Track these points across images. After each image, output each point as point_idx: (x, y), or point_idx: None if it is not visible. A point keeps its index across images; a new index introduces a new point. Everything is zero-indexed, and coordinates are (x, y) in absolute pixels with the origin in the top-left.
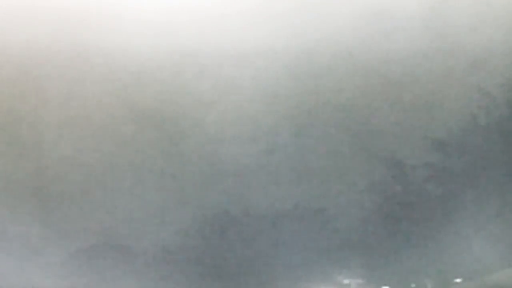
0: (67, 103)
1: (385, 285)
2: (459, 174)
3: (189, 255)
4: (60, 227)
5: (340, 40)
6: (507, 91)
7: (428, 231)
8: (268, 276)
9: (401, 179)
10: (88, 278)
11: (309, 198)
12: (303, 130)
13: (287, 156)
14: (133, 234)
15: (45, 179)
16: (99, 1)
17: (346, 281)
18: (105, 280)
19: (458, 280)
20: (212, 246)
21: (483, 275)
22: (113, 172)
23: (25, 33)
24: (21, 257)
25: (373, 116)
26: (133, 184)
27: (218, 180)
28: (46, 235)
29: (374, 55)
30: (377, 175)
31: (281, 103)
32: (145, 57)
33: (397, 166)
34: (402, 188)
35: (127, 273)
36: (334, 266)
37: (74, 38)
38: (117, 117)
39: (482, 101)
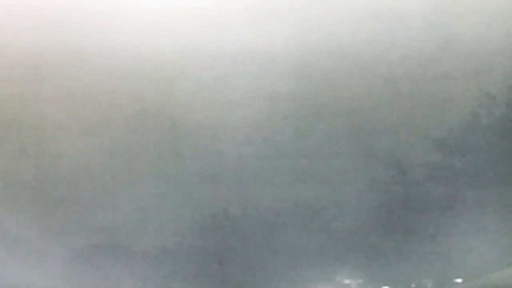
0: (67, 103)
1: (385, 285)
2: (459, 173)
3: (188, 255)
4: (60, 227)
5: (341, 40)
6: (508, 91)
7: (428, 231)
8: (268, 276)
9: (402, 179)
10: (88, 278)
11: (309, 198)
12: (303, 130)
13: (287, 156)
14: (133, 234)
15: (45, 179)
16: (99, 1)
17: (346, 281)
18: (105, 280)
19: (458, 280)
20: (212, 246)
21: (483, 275)
22: (113, 172)
23: (25, 33)
24: (21, 257)
25: (374, 116)
26: (133, 184)
27: (218, 180)
28: (46, 235)
29: (376, 55)
30: (378, 175)
31: (281, 103)
32: (145, 57)
33: (398, 166)
34: (402, 188)
35: (127, 273)
36: (334, 266)
37: (74, 38)
38: (117, 117)
39: (482, 101)
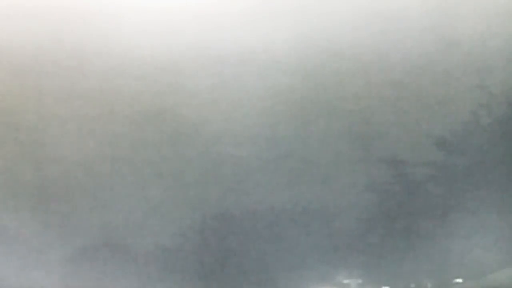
0: (67, 103)
1: (385, 285)
2: (460, 173)
3: (188, 255)
4: (60, 227)
5: (341, 40)
6: (508, 90)
7: (428, 231)
8: (268, 276)
9: (402, 178)
10: (88, 278)
11: (309, 198)
12: (303, 130)
13: (288, 156)
14: (133, 234)
15: (45, 179)
16: (99, 1)
17: (346, 281)
18: (105, 280)
19: (458, 280)
20: (212, 246)
21: (483, 275)
22: (113, 172)
23: (25, 33)
24: (21, 257)
25: (374, 115)
26: (133, 184)
27: (218, 180)
28: (46, 235)
29: (376, 54)
30: (378, 175)
31: (281, 103)
32: (145, 57)
33: (398, 166)
34: (402, 188)
35: (127, 273)
36: (334, 266)
37: (74, 38)
38: (117, 117)
39: (483, 100)
